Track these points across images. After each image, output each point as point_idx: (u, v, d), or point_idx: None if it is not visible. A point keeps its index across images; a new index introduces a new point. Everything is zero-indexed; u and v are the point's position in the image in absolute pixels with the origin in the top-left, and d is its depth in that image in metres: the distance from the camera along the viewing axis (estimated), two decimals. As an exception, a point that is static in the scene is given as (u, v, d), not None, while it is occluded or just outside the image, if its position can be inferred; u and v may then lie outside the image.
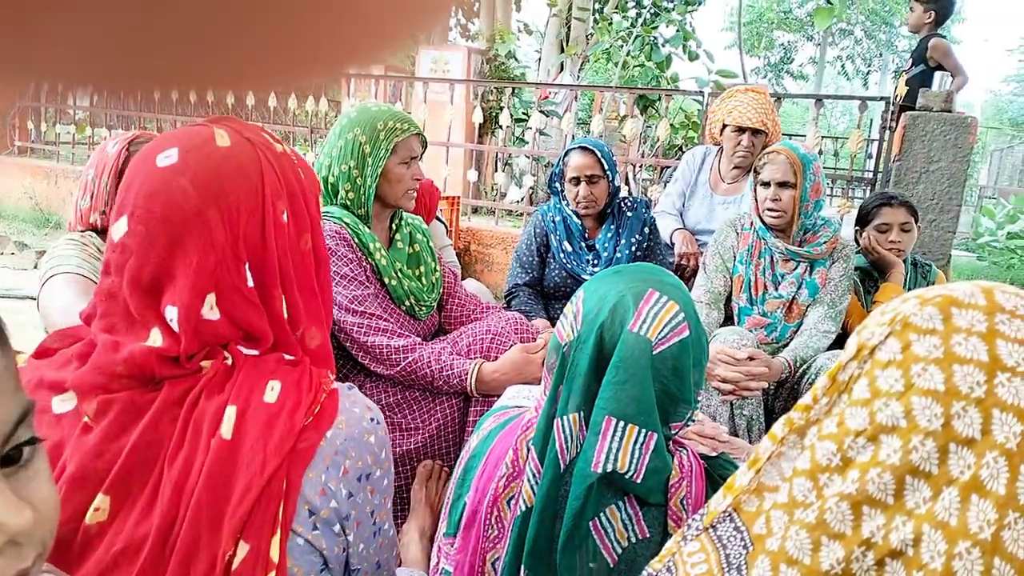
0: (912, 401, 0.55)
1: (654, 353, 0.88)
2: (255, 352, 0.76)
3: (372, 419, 0.78)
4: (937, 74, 3.60)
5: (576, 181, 2.21)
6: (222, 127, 0.75)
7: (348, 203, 1.63)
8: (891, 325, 0.59)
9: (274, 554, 0.67)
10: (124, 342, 0.69)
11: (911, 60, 3.76)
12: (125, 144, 1.55)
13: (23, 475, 0.44)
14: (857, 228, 2.30)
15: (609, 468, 0.87)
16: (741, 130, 2.50)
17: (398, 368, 1.53)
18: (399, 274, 1.66)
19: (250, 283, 0.74)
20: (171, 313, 0.70)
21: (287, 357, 0.77)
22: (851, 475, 0.55)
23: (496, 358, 1.59)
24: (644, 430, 0.87)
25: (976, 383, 0.53)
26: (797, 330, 2.08)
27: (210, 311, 0.71)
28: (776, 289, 2.10)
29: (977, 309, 0.56)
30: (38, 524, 0.43)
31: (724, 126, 2.56)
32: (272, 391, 0.72)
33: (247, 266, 0.73)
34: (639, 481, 0.88)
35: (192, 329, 0.70)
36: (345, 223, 1.58)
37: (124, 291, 0.70)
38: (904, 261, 2.26)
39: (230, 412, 0.69)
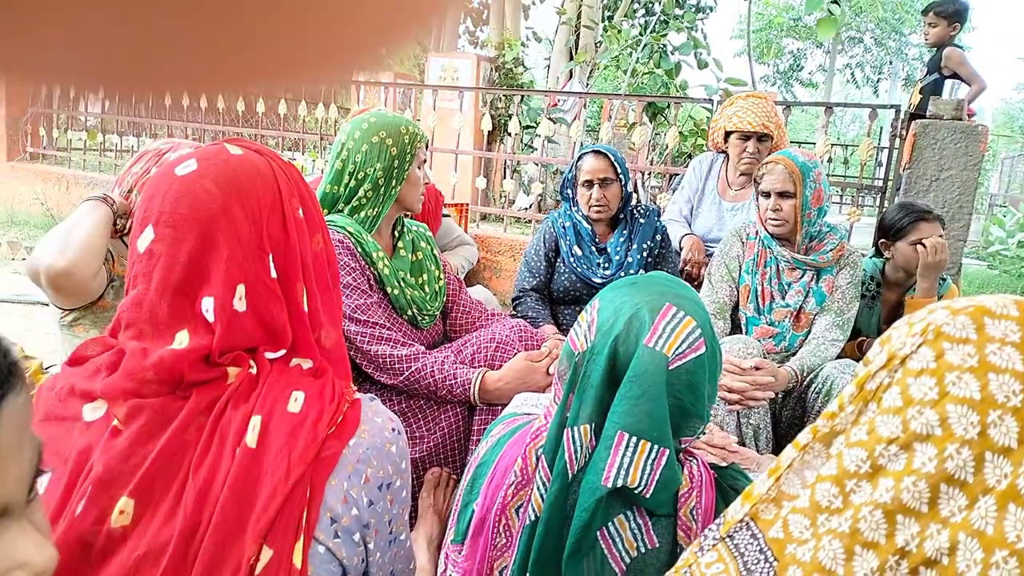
0: (947, 409, 0.54)
1: (670, 369, 0.87)
2: (277, 355, 0.78)
3: (393, 429, 0.80)
4: (948, 82, 3.57)
5: (589, 184, 2.22)
6: (232, 143, 0.82)
7: (362, 205, 1.62)
8: (923, 335, 0.58)
9: (297, 560, 0.68)
10: (152, 348, 0.71)
11: (925, 70, 3.74)
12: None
13: (31, 507, 0.46)
14: (882, 241, 2.22)
15: (620, 483, 0.85)
16: (746, 136, 2.49)
17: (402, 377, 1.52)
18: (401, 283, 1.65)
19: (273, 274, 0.77)
20: (207, 304, 0.73)
21: (306, 366, 0.79)
22: (884, 483, 0.55)
23: (501, 367, 1.58)
24: (656, 446, 0.86)
25: (1012, 392, 0.53)
26: (806, 339, 2.06)
27: (239, 302, 0.74)
28: (783, 298, 2.08)
29: (1010, 320, 0.56)
30: (55, 556, 0.45)
31: (728, 133, 2.55)
32: (296, 401, 0.74)
33: (271, 258, 0.77)
34: (648, 496, 0.86)
35: (226, 321, 0.73)
36: (348, 232, 1.58)
37: (152, 296, 0.72)
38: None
39: (255, 422, 0.71)
